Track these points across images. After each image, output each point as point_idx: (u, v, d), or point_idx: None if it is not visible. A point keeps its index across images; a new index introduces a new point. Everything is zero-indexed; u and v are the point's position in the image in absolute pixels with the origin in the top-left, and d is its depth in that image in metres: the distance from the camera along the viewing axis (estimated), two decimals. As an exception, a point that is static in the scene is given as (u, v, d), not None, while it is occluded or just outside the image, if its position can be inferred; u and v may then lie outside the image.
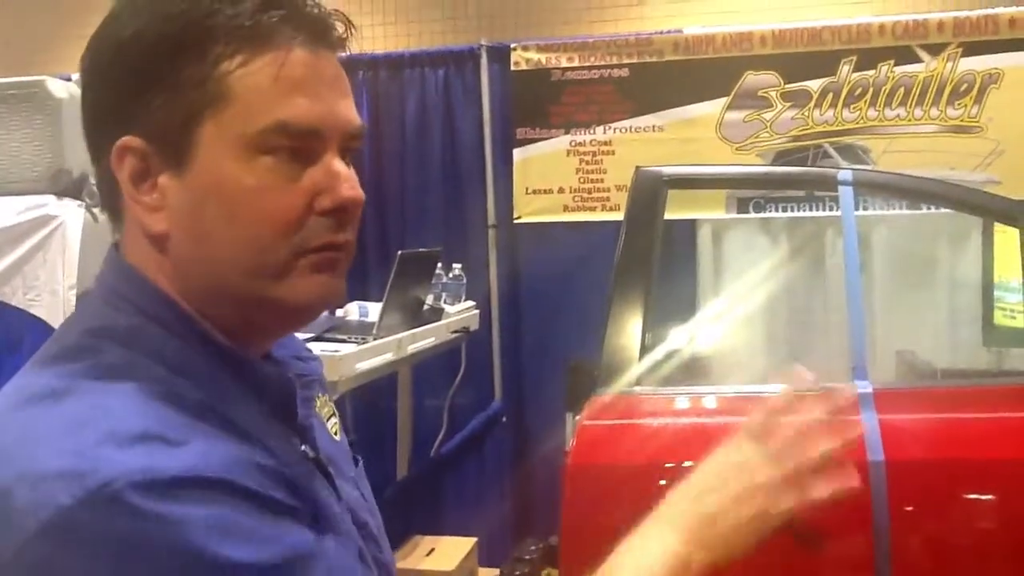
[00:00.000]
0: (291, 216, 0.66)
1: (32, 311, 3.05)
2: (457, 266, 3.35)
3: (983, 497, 1.95)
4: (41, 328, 2.84)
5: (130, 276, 0.69)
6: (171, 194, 0.66)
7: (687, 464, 1.94)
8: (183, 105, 0.65)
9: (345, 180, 0.68)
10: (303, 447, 0.72)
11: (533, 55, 3.88)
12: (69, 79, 3.52)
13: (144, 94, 0.65)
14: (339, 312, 2.81)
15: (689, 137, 3.74)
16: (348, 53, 0.71)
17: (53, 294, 3.12)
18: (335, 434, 0.86)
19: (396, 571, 0.83)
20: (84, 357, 0.64)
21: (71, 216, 3.23)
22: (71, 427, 0.58)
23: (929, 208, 3.39)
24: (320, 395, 0.85)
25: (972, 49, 3.55)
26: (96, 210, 3.34)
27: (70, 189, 3.30)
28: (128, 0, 0.67)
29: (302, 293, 0.68)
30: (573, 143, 3.87)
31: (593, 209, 3.86)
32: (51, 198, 3.26)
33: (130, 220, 0.69)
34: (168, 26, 0.64)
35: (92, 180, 3.36)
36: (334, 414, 0.88)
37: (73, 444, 0.57)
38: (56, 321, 3.03)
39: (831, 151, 3.68)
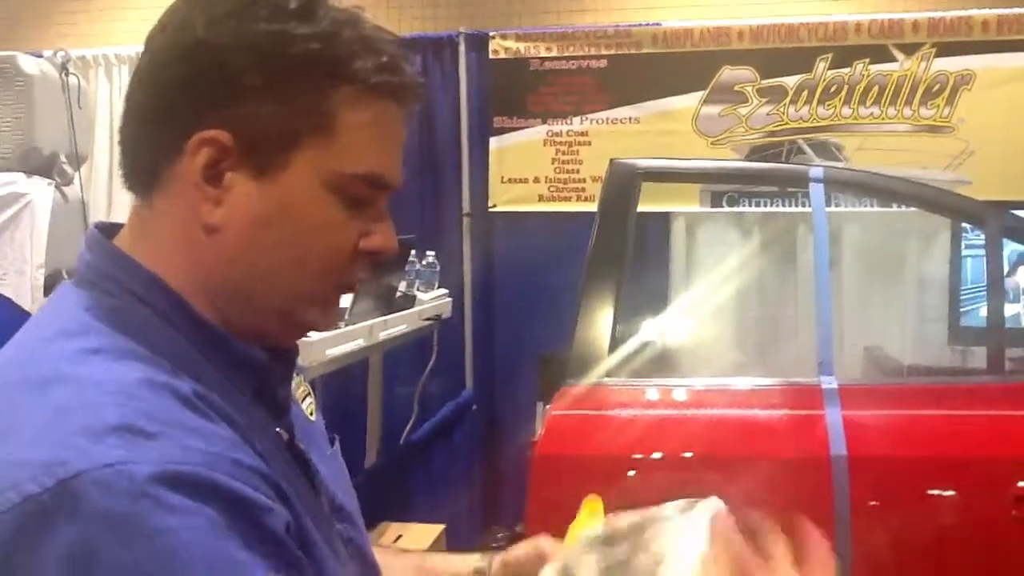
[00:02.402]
0: (343, 254, 0.71)
1: (-1, 290, 3.01)
2: (431, 253, 3.34)
3: (944, 493, 1.98)
4: (8, 307, 2.80)
5: (119, 259, 0.70)
6: (239, 194, 0.68)
7: (655, 456, 1.96)
8: (289, 123, 0.67)
9: (391, 229, 0.74)
10: (278, 429, 0.73)
11: (512, 44, 3.88)
12: (40, 56, 3.47)
13: (250, 98, 0.66)
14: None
15: (665, 130, 3.75)
16: None
17: (20, 273, 3.08)
18: (310, 414, 0.86)
19: (372, 551, 0.83)
20: (74, 340, 0.64)
21: (40, 194, 3.19)
22: (52, 416, 0.59)
23: (900, 206, 3.43)
24: (294, 375, 0.85)
25: (946, 50, 3.59)
26: (66, 189, 3.31)
27: (40, 167, 3.26)
28: (235, 7, 0.67)
29: (324, 321, 0.75)
30: (550, 133, 3.88)
31: (568, 199, 3.87)
32: (20, 176, 3.21)
33: (168, 204, 0.69)
34: (304, 49, 0.66)
35: (62, 158, 3.32)
36: (309, 394, 0.89)
37: (51, 434, 0.58)
38: (23, 300, 2.99)
39: (805, 147, 3.71)
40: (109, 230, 0.74)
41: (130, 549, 0.54)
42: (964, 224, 3.22)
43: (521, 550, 0.98)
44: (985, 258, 2.31)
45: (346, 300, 2.62)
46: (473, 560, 1.00)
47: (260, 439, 0.67)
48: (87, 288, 0.69)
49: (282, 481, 0.65)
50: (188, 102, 0.67)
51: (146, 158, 0.69)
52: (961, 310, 3.34)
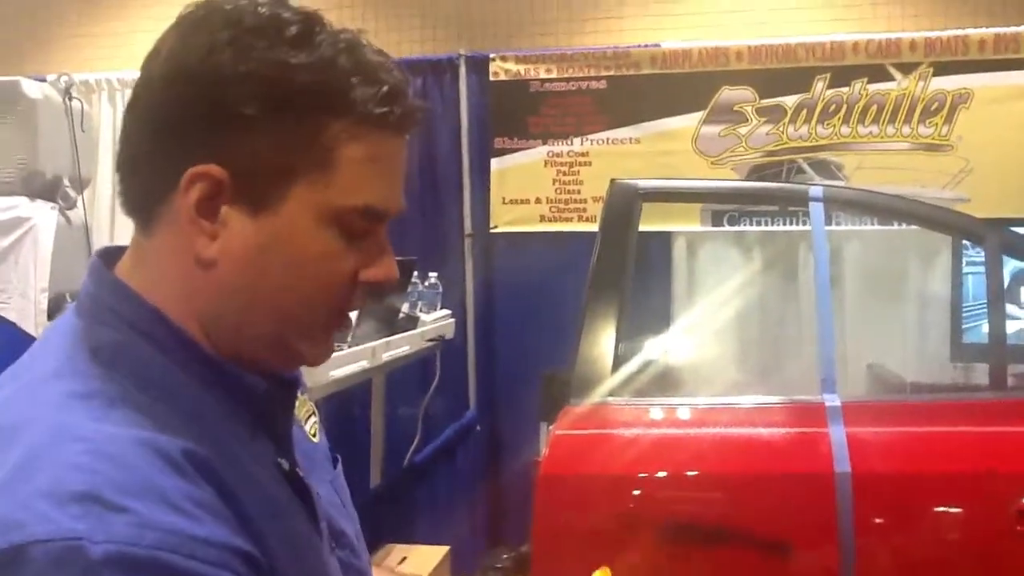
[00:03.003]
0: (343, 285, 0.70)
1: (2, 314, 3.02)
2: (433, 275, 3.35)
3: (948, 510, 1.98)
4: (10, 331, 2.81)
5: (120, 290, 0.69)
6: (235, 228, 0.67)
7: (661, 474, 1.96)
8: (286, 158, 0.66)
9: (391, 260, 0.72)
10: (280, 460, 0.72)
11: (512, 66, 3.91)
12: (44, 80, 3.49)
13: (245, 131, 0.65)
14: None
15: (665, 150, 3.77)
16: None
17: (24, 297, 3.09)
18: (313, 435, 0.85)
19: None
20: (63, 382, 0.63)
21: (44, 218, 3.21)
22: (20, 468, 0.57)
23: (900, 224, 3.44)
24: (298, 395, 0.84)
25: (943, 69, 3.62)
26: (69, 213, 3.32)
27: (43, 191, 3.28)
28: (232, 35, 0.65)
29: (321, 353, 0.73)
30: (550, 154, 3.89)
31: (569, 220, 3.88)
32: (24, 199, 3.23)
33: (164, 235, 0.68)
34: (300, 80, 0.65)
35: (66, 182, 3.34)
36: (313, 413, 0.88)
37: (15, 488, 0.56)
38: (27, 323, 3.00)
39: (805, 166, 3.73)
40: (112, 255, 0.73)
41: None
42: (964, 241, 3.23)
43: None
44: (985, 275, 2.32)
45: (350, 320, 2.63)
46: None
47: (252, 479, 0.66)
48: (86, 319, 0.69)
49: (272, 526, 0.64)
50: (183, 134, 0.65)
51: (142, 188, 0.69)
52: (963, 327, 3.34)
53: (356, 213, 0.68)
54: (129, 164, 0.69)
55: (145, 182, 0.68)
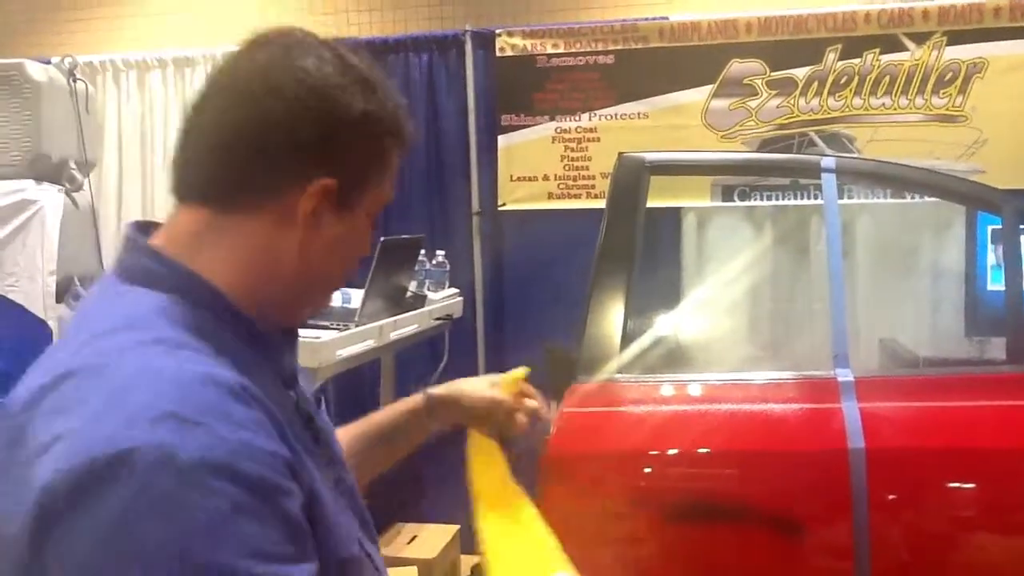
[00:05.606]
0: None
1: (10, 296, 3.02)
2: (440, 253, 3.33)
3: (962, 485, 1.96)
4: (18, 314, 2.80)
5: (163, 259, 0.83)
6: (325, 225, 0.86)
7: (671, 452, 1.94)
8: (368, 173, 0.88)
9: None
10: (291, 393, 0.89)
11: (518, 41, 3.86)
12: (48, 63, 3.47)
13: (352, 157, 0.86)
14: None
15: (675, 124, 3.73)
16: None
17: (32, 280, 3.09)
18: None
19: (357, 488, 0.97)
20: (136, 332, 0.76)
21: (50, 201, 3.20)
22: (117, 394, 0.70)
23: (913, 197, 3.40)
24: None
25: (957, 38, 3.55)
26: (75, 195, 3.31)
27: (49, 174, 3.27)
28: (356, 77, 0.86)
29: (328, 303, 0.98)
30: (558, 130, 3.86)
31: (578, 196, 3.85)
32: (30, 183, 3.22)
33: (254, 224, 0.83)
34: (386, 123, 0.88)
35: (72, 164, 3.33)
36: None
37: (116, 409, 0.69)
38: (35, 306, 2.99)
39: (816, 139, 3.68)
40: (145, 228, 0.87)
41: (168, 523, 0.66)
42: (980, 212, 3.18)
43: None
44: (1002, 246, 2.28)
45: (356, 299, 2.61)
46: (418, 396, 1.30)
47: (281, 408, 0.80)
48: (132, 284, 0.82)
49: (297, 446, 0.79)
50: (308, 148, 0.83)
51: (241, 179, 0.83)
52: (978, 300, 3.30)
53: (382, 207, 0.92)
54: (237, 159, 0.83)
55: (249, 176, 0.83)
